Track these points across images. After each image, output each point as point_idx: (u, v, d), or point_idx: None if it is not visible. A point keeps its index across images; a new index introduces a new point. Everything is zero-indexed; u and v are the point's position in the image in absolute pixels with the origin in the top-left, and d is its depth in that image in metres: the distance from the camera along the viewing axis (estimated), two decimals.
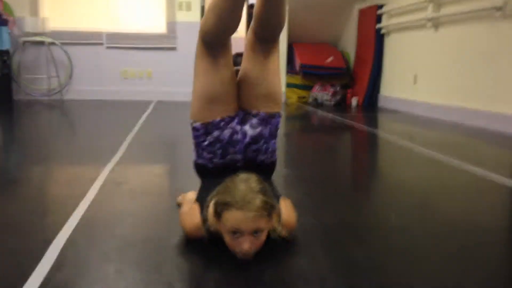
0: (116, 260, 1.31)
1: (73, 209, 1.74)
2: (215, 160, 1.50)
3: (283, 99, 6.99)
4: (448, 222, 1.70)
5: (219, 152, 1.49)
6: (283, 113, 1.59)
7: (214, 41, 1.47)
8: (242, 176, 1.32)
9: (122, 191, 2.04)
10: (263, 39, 1.51)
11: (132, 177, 2.31)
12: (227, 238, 1.27)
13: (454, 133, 4.01)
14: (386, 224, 1.68)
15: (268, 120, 1.52)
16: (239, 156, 1.50)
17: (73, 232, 1.51)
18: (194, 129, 1.54)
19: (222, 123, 1.48)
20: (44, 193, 2.11)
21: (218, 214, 1.26)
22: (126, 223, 1.63)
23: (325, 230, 1.59)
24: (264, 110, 1.52)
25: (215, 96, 1.49)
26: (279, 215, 1.36)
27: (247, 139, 1.49)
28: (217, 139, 1.49)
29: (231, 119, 1.50)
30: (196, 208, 1.42)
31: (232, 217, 1.23)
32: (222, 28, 1.43)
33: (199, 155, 1.55)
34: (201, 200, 1.40)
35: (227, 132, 1.48)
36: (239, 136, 1.49)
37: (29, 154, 2.93)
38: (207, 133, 1.50)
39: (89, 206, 1.79)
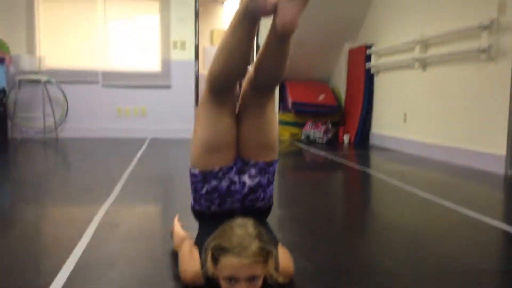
0: None
1: (69, 253, 1.76)
2: (213, 208, 1.54)
3: None
4: (440, 264, 1.74)
5: (216, 201, 1.53)
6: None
7: (221, 86, 1.49)
8: (239, 221, 1.33)
9: (117, 234, 2.06)
10: (261, 89, 1.54)
11: (127, 218, 2.34)
12: (223, 285, 1.29)
13: (442, 171, 4.08)
14: (380, 267, 1.72)
15: (266, 168, 1.56)
16: (236, 205, 1.53)
17: (69, 277, 1.53)
18: (193, 175, 1.57)
19: (220, 173, 1.52)
20: (40, 235, 2.13)
21: (215, 259, 1.28)
22: (121, 267, 1.65)
23: (318, 273, 1.62)
24: (262, 159, 1.55)
25: (216, 146, 1.52)
26: (276, 260, 1.38)
27: (246, 190, 1.52)
28: (215, 189, 1.52)
29: (229, 169, 1.53)
30: (195, 252, 1.44)
31: (228, 263, 1.24)
32: (230, 72, 1.46)
33: (196, 201, 1.58)
34: (200, 243, 1.42)
35: (225, 183, 1.51)
36: (237, 187, 1.52)
37: (24, 194, 2.94)
38: (205, 181, 1.53)
39: (85, 250, 1.81)
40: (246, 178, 1.53)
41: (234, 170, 1.54)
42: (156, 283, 1.51)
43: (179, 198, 2.85)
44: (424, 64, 5.06)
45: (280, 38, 1.43)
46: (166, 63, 6.90)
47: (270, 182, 1.58)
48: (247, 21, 1.41)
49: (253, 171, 1.54)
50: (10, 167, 4.19)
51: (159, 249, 1.86)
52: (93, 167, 4.17)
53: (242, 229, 1.29)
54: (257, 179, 1.54)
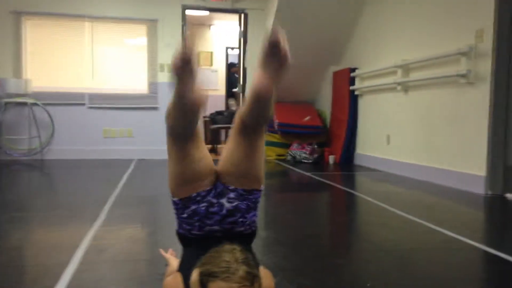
0: None
1: (57, 279, 1.78)
2: (194, 231, 1.58)
3: None
4: (419, 285, 1.79)
5: (196, 224, 1.57)
6: (264, 187, 1.68)
7: (179, 133, 1.55)
8: (227, 247, 1.37)
9: (105, 259, 2.09)
10: (251, 127, 1.58)
11: (114, 242, 2.36)
12: None
13: (425, 191, 4.17)
14: None
15: (245, 196, 1.59)
16: (216, 228, 1.58)
17: None
18: (174, 202, 1.62)
19: (198, 197, 1.56)
20: (26, 260, 2.14)
21: (202, 285, 1.31)
22: None
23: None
24: (241, 187, 1.59)
25: (188, 178, 1.56)
26: (260, 285, 1.43)
27: (224, 212, 1.56)
28: (195, 212, 1.56)
29: (207, 192, 1.57)
30: (179, 277, 1.48)
31: None
32: (181, 128, 1.52)
33: (179, 225, 1.63)
34: (184, 270, 1.46)
35: (203, 206, 1.55)
36: (215, 209, 1.56)
37: (8, 217, 2.94)
38: (185, 207, 1.58)
39: (72, 277, 1.83)
40: (224, 201, 1.57)
41: (212, 193, 1.58)
42: None
43: (166, 221, 2.88)
44: (406, 88, 5.19)
45: (259, 100, 1.49)
46: (153, 85, 6.97)
47: (250, 208, 1.61)
48: (183, 112, 1.47)
49: (232, 194, 1.58)
50: None
51: (146, 273, 1.89)
52: (80, 189, 4.17)
53: (230, 255, 1.33)
54: (235, 203, 1.57)
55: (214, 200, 1.56)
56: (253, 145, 1.59)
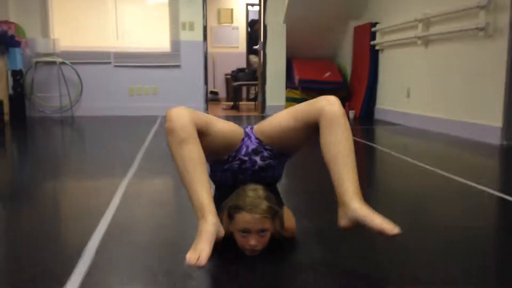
0: (143, 258, 1.58)
1: (99, 220, 2.00)
2: (227, 183, 1.74)
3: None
4: (431, 222, 1.97)
5: (230, 178, 1.69)
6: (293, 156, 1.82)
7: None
8: (251, 186, 1.57)
9: (141, 202, 2.31)
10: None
11: (148, 189, 2.58)
12: (237, 236, 1.53)
13: (443, 143, 4.28)
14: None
15: (279, 157, 1.70)
16: (248, 179, 1.73)
17: (103, 238, 1.78)
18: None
19: (229, 159, 1.66)
20: (68, 205, 2.37)
21: (230, 216, 1.52)
22: (147, 230, 1.90)
23: (319, 232, 1.86)
24: (278, 150, 1.68)
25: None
26: (281, 219, 1.62)
27: (256, 167, 1.67)
28: (228, 169, 1.68)
29: (237, 151, 1.65)
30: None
31: (242, 218, 1.49)
32: None
33: (213, 176, 1.78)
34: (217, 204, 1.64)
35: (236, 164, 1.66)
36: (247, 165, 1.66)
37: (44, 170, 3.17)
38: (218, 167, 1.70)
39: (113, 216, 2.06)
40: (258, 158, 1.66)
41: (243, 150, 1.66)
42: (178, 242, 1.75)
43: None
44: (426, 42, 5.22)
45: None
46: (176, 44, 7.10)
47: (280, 166, 1.74)
48: None
49: (266, 153, 1.67)
50: (29, 144, 4.43)
51: (179, 215, 2.10)
52: (110, 144, 4.41)
53: (254, 192, 1.54)
54: (268, 161, 1.68)
55: (246, 158, 1.65)
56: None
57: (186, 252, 1.63)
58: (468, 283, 1.39)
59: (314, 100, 1.59)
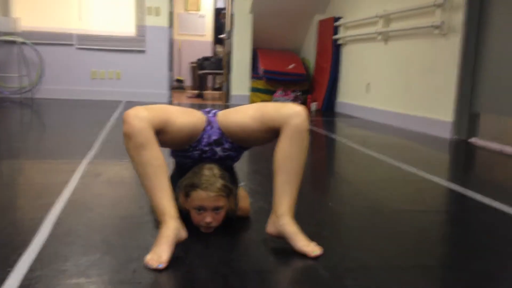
0: (100, 231, 1.62)
1: (57, 196, 2.03)
2: (187, 166, 1.76)
3: (247, 102, 7.35)
4: (373, 205, 2.09)
5: (189, 164, 1.70)
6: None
7: None
8: (207, 165, 1.63)
9: (101, 180, 2.34)
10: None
11: (107, 169, 2.61)
12: (193, 214, 1.59)
13: (398, 136, 4.46)
14: (324, 207, 2.05)
15: (239, 149, 1.73)
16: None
17: (62, 211, 1.81)
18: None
19: (190, 149, 1.67)
20: (27, 181, 2.37)
21: (186, 194, 1.58)
22: (106, 204, 1.94)
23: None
24: (239, 144, 1.70)
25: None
26: (236, 198, 1.70)
27: (216, 157, 1.70)
28: (188, 157, 1.70)
29: (198, 142, 1.65)
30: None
31: (198, 196, 1.55)
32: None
33: (173, 156, 1.81)
34: (173, 181, 1.69)
35: (196, 153, 1.68)
36: (208, 154, 1.69)
37: (2, 151, 3.11)
38: (178, 155, 1.73)
39: (73, 191, 2.09)
40: (218, 149, 1.68)
41: (204, 141, 1.65)
42: (136, 216, 1.80)
43: None
44: (386, 38, 5.39)
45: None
46: (141, 28, 7.04)
47: (239, 155, 1.78)
48: None
49: (227, 145, 1.68)
50: None
51: (137, 193, 2.15)
52: (70, 127, 4.38)
53: (209, 171, 1.60)
54: (228, 153, 1.71)
55: (207, 148, 1.67)
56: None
57: (144, 227, 1.69)
58: (411, 265, 1.51)
59: (282, 105, 1.58)
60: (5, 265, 1.31)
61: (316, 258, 1.44)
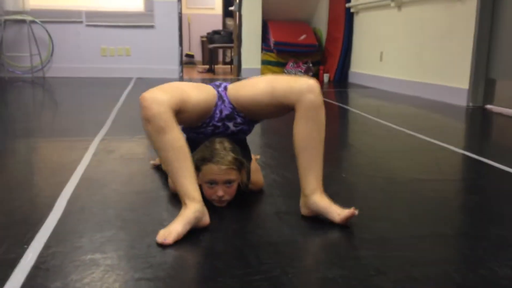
0: (114, 207, 1.63)
1: (71, 173, 2.03)
2: (199, 141, 1.75)
3: (258, 75, 7.29)
4: (389, 175, 2.06)
5: (203, 139, 1.67)
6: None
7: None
8: (218, 139, 1.61)
9: (113, 157, 2.34)
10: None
11: (120, 146, 2.61)
12: (205, 188, 1.59)
13: (413, 105, 4.39)
14: (337, 178, 2.03)
15: (251, 123, 1.72)
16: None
17: (76, 188, 1.82)
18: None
19: (203, 125, 1.66)
20: (41, 160, 2.39)
21: (198, 168, 1.57)
22: (120, 181, 1.95)
23: (284, 184, 1.93)
24: (251, 118, 1.69)
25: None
26: (248, 172, 1.68)
27: (228, 132, 1.69)
28: (201, 133, 1.69)
29: (211, 118, 1.64)
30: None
31: (209, 170, 1.54)
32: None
33: (185, 132, 1.79)
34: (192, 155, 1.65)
35: (209, 129, 1.67)
36: (220, 130, 1.67)
37: (16, 129, 3.15)
38: (191, 131, 1.71)
39: (86, 168, 2.10)
40: (231, 124, 1.67)
41: (217, 116, 1.64)
42: (149, 191, 1.80)
43: None
44: (400, 4, 5.26)
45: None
46: (149, 3, 6.97)
47: (251, 128, 1.76)
48: None
49: (239, 120, 1.67)
50: None
51: (150, 168, 2.15)
52: (82, 104, 4.39)
53: (220, 145, 1.58)
54: (240, 127, 1.70)
55: (219, 124, 1.66)
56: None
57: (157, 201, 1.69)
58: (427, 234, 1.49)
59: (295, 80, 1.54)
60: (22, 242, 1.32)
61: (330, 228, 1.43)
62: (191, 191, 1.42)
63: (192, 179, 1.44)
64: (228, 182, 1.57)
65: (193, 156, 1.61)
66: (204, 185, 1.59)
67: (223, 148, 1.57)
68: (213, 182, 1.56)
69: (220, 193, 1.57)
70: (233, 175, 1.57)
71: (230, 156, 1.55)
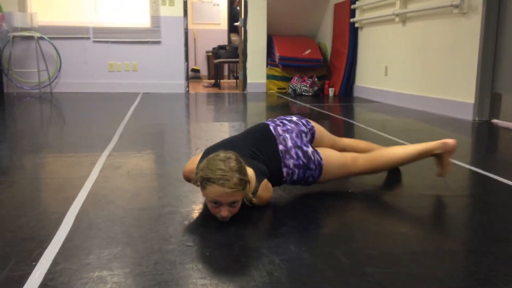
0: (121, 224, 1.64)
1: (79, 189, 2.05)
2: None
3: (263, 90, 7.32)
4: (399, 189, 2.06)
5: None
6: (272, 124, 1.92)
7: None
8: (223, 154, 1.59)
9: (120, 173, 2.36)
10: None
11: (127, 161, 2.63)
12: (209, 205, 1.59)
13: (418, 120, 4.39)
14: (345, 194, 2.04)
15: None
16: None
17: (83, 204, 1.83)
18: None
19: None
20: (49, 176, 2.41)
21: (202, 186, 1.57)
22: (126, 197, 1.96)
23: (291, 199, 1.94)
24: None
25: None
26: (254, 187, 1.66)
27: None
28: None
29: None
30: (197, 158, 1.79)
31: (213, 191, 1.53)
32: None
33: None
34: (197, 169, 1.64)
35: None
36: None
37: (25, 145, 3.15)
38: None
39: (93, 184, 2.11)
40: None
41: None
42: (154, 208, 1.81)
43: (172, 145, 3.14)
44: (404, 19, 5.29)
45: None
46: (156, 19, 7.05)
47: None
48: None
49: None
50: (7, 120, 4.41)
51: (159, 183, 2.16)
52: (89, 120, 4.42)
53: (226, 164, 1.55)
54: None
55: None
56: None
57: (164, 218, 1.70)
58: (434, 251, 1.49)
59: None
60: (30, 259, 1.33)
61: (336, 244, 1.43)
62: None
63: None
64: (233, 203, 1.57)
65: (197, 172, 1.61)
66: (208, 202, 1.60)
67: (229, 169, 1.54)
68: (217, 202, 1.56)
69: (225, 214, 1.57)
70: (238, 196, 1.56)
71: (235, 178, 1.53)
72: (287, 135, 1.90)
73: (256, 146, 1.84)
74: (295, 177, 1.88)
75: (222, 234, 1.54)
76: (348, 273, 1.27)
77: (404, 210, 1.83)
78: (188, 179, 1.85)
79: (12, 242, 1.46)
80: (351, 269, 1.29)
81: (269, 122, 1.97)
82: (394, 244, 1.47)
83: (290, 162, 1.85)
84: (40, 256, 1.35)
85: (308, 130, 1.99)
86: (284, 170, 1.85)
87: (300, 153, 1.86)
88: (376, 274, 1.26)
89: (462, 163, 2.62)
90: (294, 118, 2.01)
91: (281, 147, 1.86)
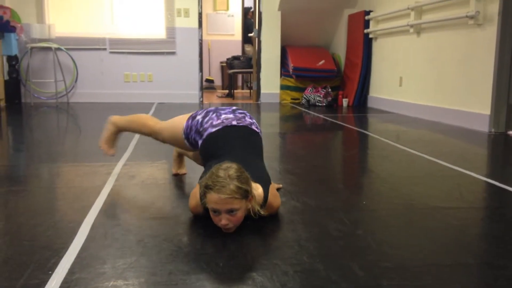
0: (136, 233, 1.65)
1: (95, 197, 2.07)
2: (214, 123, 1.93)
3: (277, 100, 7.34)
4: (408, 201, 2.05)
5: (213, 116, 1.96)
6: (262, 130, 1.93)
7: None
8: (224, 165, 1.61)
9: (135, 182, 2.38)
10: None
11: (142, 171, 2.65)
12: (211, 215, 1.60)
13: (433, 131, 4.36)
14: (357, 205, 2.03)
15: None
16: (230, 116, 1.95)
17: (99, 214, 1.85)
18: (186, 134, 2.10)
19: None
20: (65, 185, 2.44)
21: (204, 194, 1.59)
22: (141, 206, 1.97)
23: (305, 210, 1.93)
24: None
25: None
26: (259, 198, 1.66)
27: (233, 107, 2.01)
28: (208, 111, 1.96)
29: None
30: (197, 188, 1.75)
31: (211, 198, 1.54)
32: None
33: (202, 135, 1.95)
34: (200, 181, 1.71)
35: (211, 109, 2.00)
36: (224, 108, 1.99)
37: (41, 154, 3.21)
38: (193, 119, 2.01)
39: (109, 194, 2.13)
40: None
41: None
42: (169, 217, 1.82)
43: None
44: (418, 30, 5.28)
45: None
46: (171, 30, 7.13)
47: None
48: None
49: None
50: (24, 130, 4.48)
51: (173, 193, 2.18)
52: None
53: (225, 172, 1.57)
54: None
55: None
56: None
57: (178, 228, 1.71)
58: (449, 264, 1.48)
59: None
60: (46, 268, 1.35)
61: (351, 256, 1.43)
62: None
63: None
64: (231, 211, 1.56)
65: (201, 182, 1.62)
66: (210, 211, 1.60)
67: (227, 176, 1.55)
68: (216, 211, 1.57)
69: (224, 222, 1.56)
70: (235, 204, 1.55)
71: (232, 185, 1.54)
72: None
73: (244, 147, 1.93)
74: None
75: (236, 244, 1.54)
76: (363, 285, 1.26)
77: (419, 222, 1.82)
78: (197, 212, 1.77)
79: (29, 251, 1.48)
80: (366, 281, 1.29)
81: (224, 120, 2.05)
82: (409, 257, 1.46)
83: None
84: (57, 265, 1.37)
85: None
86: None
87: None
88: (392, 286, 1.25)
89: (478, 175, 2.59)
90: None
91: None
